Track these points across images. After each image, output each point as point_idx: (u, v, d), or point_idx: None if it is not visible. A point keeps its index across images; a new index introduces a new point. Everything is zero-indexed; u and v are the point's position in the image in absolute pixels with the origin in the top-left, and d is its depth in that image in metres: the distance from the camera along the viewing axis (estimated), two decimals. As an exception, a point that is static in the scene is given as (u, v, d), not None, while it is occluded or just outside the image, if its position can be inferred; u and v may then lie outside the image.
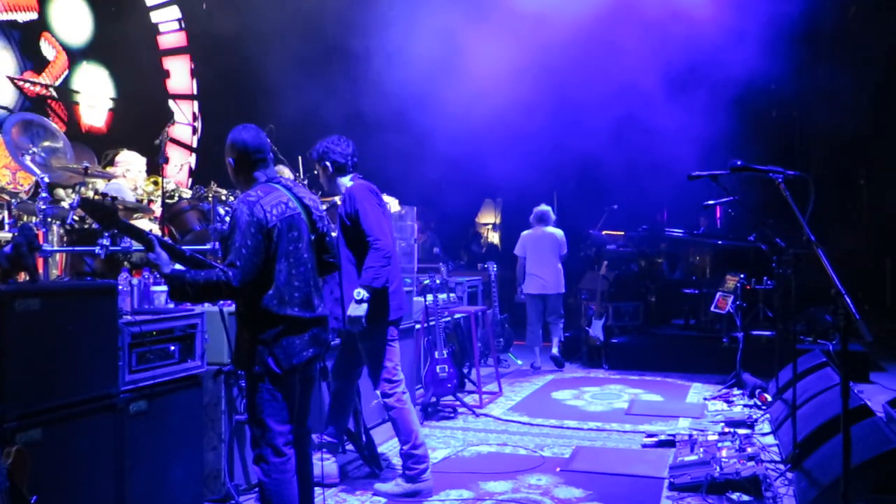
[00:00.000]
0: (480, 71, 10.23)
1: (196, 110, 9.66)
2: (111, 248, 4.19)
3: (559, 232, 8.47)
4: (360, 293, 3.94)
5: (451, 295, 7.39)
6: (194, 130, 9.41)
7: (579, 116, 11.26)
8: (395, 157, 9.96)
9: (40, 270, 3.82)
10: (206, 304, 4.25)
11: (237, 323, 3.13)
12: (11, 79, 7.26)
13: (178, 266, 2.98)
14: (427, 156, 11.04)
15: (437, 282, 6.51)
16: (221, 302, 4.24)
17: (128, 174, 5.63)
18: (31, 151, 4.72)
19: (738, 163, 3.64)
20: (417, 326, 6.29)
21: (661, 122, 11.09)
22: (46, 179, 4.56)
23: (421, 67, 9.82)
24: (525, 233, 8.55)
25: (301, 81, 8.98)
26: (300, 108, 8.75)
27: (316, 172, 4.46)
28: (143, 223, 5.35)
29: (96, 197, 4.07)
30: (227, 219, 5.06)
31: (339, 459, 4.52)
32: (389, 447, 5.11)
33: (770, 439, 5.18)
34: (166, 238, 3.47)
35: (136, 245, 4.55)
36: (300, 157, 6.59)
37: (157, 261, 2.91)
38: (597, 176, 11.92)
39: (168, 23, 9.44)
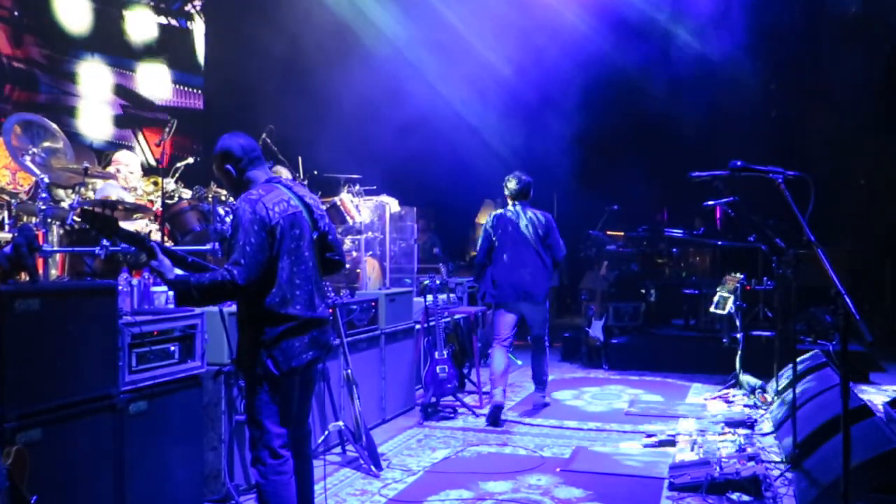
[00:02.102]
0: (480, 69, 10.23)
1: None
2: (111, 248, 4.19)
3: None
4: None
5: (451, 295, 7.40)
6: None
7: (578, 115, 11.27)
8: (395, 157, 9.97)
9: (40, 271, 3.83)
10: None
11: (238, 324, 3.12)
12: None
13: (179, 271, 2.98)
14: (427, 156, 11.04)
15: (437, 282, 6.51)
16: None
17: (120, 174, 5.63)
18: (31, 152, 4.72)
19: (739, 163, 3.63)
20: (417, 326, 6.29)
21: (660, 122, 11.11)
22: (46, 179, 4.57)
23: (421, 67, 9.82)
24: None
25: (299, 82, 8.99)
26: (295, 108, 8.76)
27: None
28: (144, 224, 5.35)
29: (95, 209, 4.04)
30: (228, 219, 5.06)
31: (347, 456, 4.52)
32: (389, 447, 5.11)
33: (770, 439, 5.18)
34: (168, 244, 3.44)
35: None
36: (300, 158, 6.60)
37: (160, 268, 2.91)
38: (597, 176, 11.93)
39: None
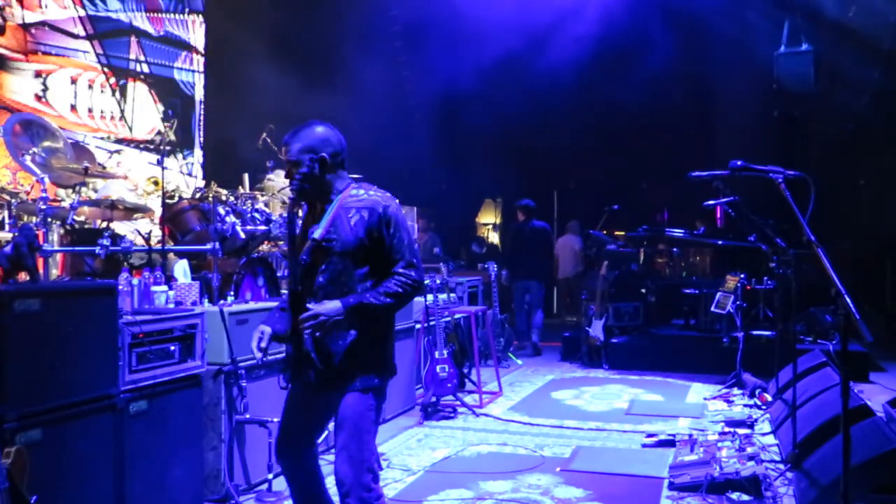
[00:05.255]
0: (481, 70, 10.23)
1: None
2: (111, 248, 4.19)
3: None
4: None
5: (452, 295, 7.40)
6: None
7: (578, 117, 11.27)
8: (395, 156, 9.97)
9: (40, 270, 3.83)
10: (207, 305, 4.26)
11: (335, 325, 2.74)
12: None
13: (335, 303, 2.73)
14: (428, 156, 11.04)
15: (438, 282, 6.51)
16: (222, 302, 4.25)
17: (130, 172, 5.64)
18: (31, 151, 4.73)
19: (739, 163, 3.63)
20: (417, 326, 6.29)
21: (661, 121, 11.11)
22: (46, 179, 4.57)
23: (421, 66, 9.82)
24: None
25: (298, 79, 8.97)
26: (288, 105, 8.75)
27: None
28: (144, 224, 5.36)
29: None
30: (229, 219, 5.05)
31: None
32: (389, 447, 5.11)
33: (770, 439, 5.18)
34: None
35: (136, 245, 4.56)
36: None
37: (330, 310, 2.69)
38: (597, 176, 11.94)
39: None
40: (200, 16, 9.62)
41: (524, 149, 12.13)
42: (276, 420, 4.14)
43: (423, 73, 10.51)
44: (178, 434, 3.63)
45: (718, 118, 11.48)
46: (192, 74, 9.51)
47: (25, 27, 7.13)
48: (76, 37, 7.90)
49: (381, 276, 2.78)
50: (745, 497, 3.98)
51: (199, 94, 9.60)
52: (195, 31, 9.59)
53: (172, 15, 9.30)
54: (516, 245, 9.50)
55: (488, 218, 14.95)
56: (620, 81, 10.52)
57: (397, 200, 2.89)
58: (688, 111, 10.86)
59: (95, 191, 5.49)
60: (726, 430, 5.30)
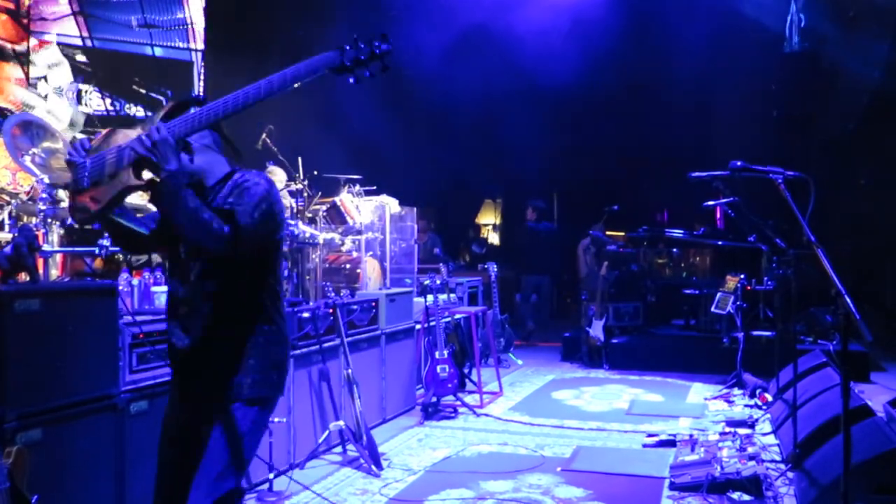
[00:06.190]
0: (480, 71, 10.23)
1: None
2: (111, 248, 4.19)
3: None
4: None
5: (452, 295, 7.40)
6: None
7: (579, 117, 11.27)
8: (396, 157, 9.97)
9: (40, 271, 3.83)
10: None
11: (212, 321, 2.43)
12: None
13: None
14: (428, 156, 11.03)
15: (438, 282, 6.51)
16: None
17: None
18: (30, 152, 4.73)
19: (738, 163, 3.63)
20: (418, 327, 6.29)
21: (661, 121, 11.11)
22: (46, 179, 4.57)
23: (422, 67, 9.82)
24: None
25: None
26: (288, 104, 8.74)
27: None
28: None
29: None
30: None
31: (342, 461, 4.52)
32: (390, 447, 5.11)
33: (771, 439, 5.18)
34: None
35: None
36: (300, 158, 6.60)
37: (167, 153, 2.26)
38: (597, 176, 11.94)
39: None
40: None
41: (524, 149, 12.13)
42: (276, 420, 4.15)
43: (423, 73, 10.50)
44: (179, 434, 3.63)
45: (718, 118, 11.47)
46: (189, 53, 9.41)
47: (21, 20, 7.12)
48: (67, 14, 7.88)
49: (260, 278, 2.47)
50: (746, 497, 3.97)
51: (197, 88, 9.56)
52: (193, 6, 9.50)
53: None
54: (531, 242, 10.11)
55: (488, 218, 14.96)
56: (620, 81, 10.52)
57: (271, 184, 2.51)
58: (688, 111, 10.85)
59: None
60: (727, 430, 5.30)
